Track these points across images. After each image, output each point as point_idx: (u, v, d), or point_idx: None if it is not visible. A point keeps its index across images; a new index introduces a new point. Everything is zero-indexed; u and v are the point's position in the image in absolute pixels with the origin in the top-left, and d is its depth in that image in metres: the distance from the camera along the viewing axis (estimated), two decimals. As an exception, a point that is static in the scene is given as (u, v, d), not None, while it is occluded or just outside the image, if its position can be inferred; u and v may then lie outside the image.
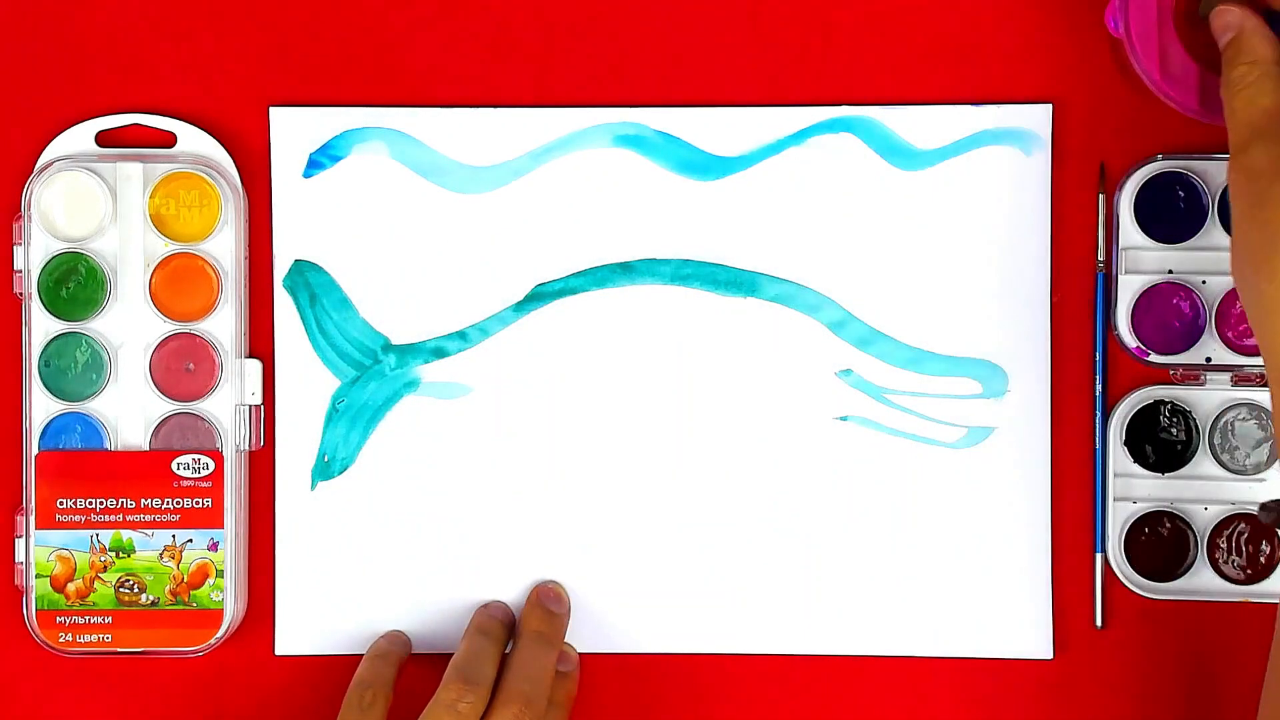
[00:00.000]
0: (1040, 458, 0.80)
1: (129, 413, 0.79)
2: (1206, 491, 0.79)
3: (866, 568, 0.79)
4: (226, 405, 0.79)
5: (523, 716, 0.73)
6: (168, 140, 0.80)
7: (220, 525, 0.79)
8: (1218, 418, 0.79)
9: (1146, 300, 0.79)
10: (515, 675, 0.75)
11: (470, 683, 0.74)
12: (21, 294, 0.79)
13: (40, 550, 0.79)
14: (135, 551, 0.79)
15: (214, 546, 0.79)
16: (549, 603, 0.79)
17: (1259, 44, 0.71)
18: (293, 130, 0.80)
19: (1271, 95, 0.70)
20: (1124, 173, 0.79)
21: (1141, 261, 0.79)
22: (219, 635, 0.79)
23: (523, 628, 0.78)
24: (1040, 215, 0.79)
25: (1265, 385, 0.79)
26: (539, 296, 0.80)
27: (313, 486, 0.80)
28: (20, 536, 0.79)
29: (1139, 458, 0.79)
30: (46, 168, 0.79)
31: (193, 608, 0.79)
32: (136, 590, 0.79)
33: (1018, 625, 0.80)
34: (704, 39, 0.80)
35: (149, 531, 0.79)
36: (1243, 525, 0.79)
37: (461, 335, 0.80)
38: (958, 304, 0.80)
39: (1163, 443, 0.80)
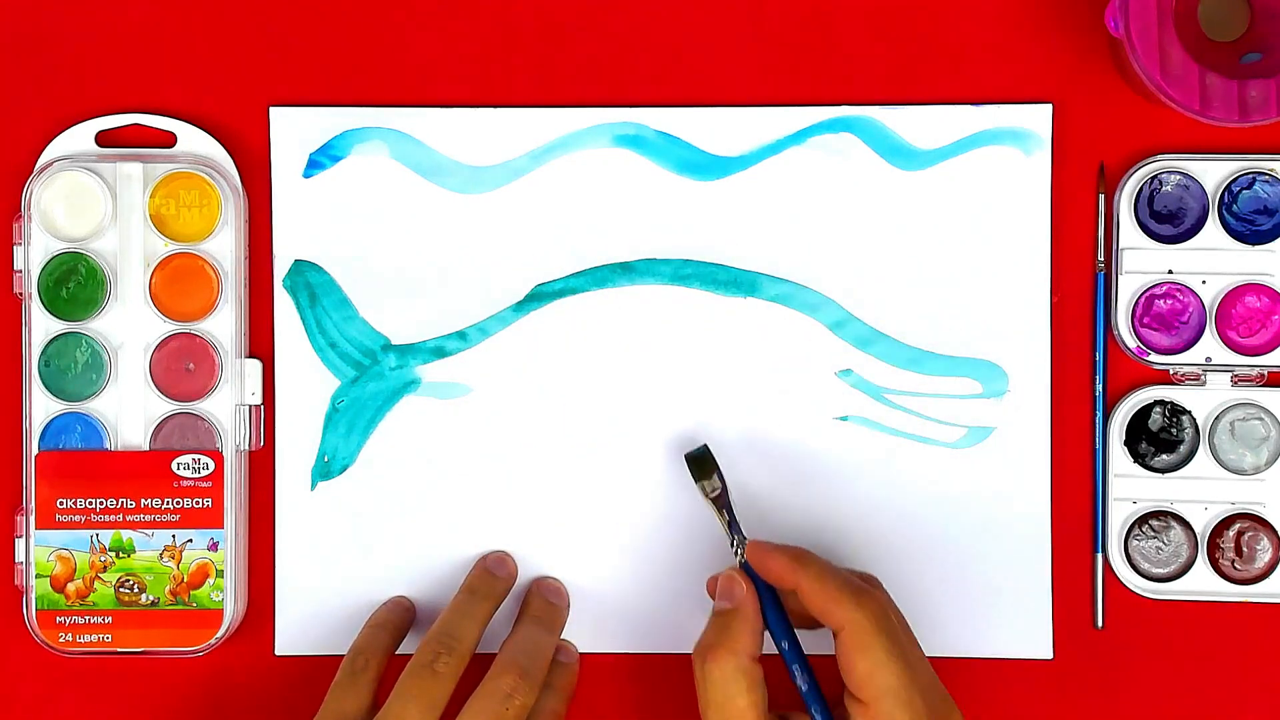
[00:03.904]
0: (1040, 458, 0.80)
1: (129, 413, 0.79)
2: (1206, 491, 0.79)
3: (866, 568, 0.79)
4: (226, 405, 0.79)
5: (519, 687, 0.73)
6: (168, 140, 0.80)
7: (220, 525, 0.79)
8: (1218, 418, 0.79)
9: (1146, 300, 0.79)
10: (512, 649, 0.76)
11: (450, 637, 0.74)
12: (21, 294, 0.79)
13: (40, 550, 0.79)
14: (135, 551, 0.79)
15: (214, 546, 0.79)
16: (549, 595, 0.79)
17: (745, 634, 0.73)
18: (293, 130, 0.80)
19: (746, 695, 0.71)
20: (1124, 173, 0.79)
21: (1141, 261, 0.79)
22: (219, 635, 0.79)
23: (522, 612, 0.79)
24: (1040, 215, 0.79)
25: (1265, 385, 0.79)
26: (539, 296, 0.80)
27: (313, 486, 0.80)
28: (20, 536, 0.79)
29: (1139, 458, 0.80)
30: (46, 168, 0.79)
31: (193, 608, 0.79)
32: (136, 590, 0.79)
33: (1018, 625, 0.80)
34: (704, 39, 0.80)
35: (149, 531, 0.79)
36: (1243, 525, 0.79)
37: (461, 335, 0.80)
38: (958, 304, 0.80)
39: (1163, 443, 0.80)
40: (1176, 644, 0.80)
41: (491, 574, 0.79)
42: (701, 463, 0.77)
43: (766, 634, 0.74)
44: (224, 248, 0.80)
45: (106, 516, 0.79)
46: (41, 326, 0.79)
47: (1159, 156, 0.79)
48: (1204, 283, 0.79)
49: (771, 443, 0.80)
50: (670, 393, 0.80)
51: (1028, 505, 0.80)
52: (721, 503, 0.76)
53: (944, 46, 0.80)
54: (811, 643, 0.74)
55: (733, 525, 0.76)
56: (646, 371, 0.80)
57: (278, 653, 0.81)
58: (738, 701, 0.71)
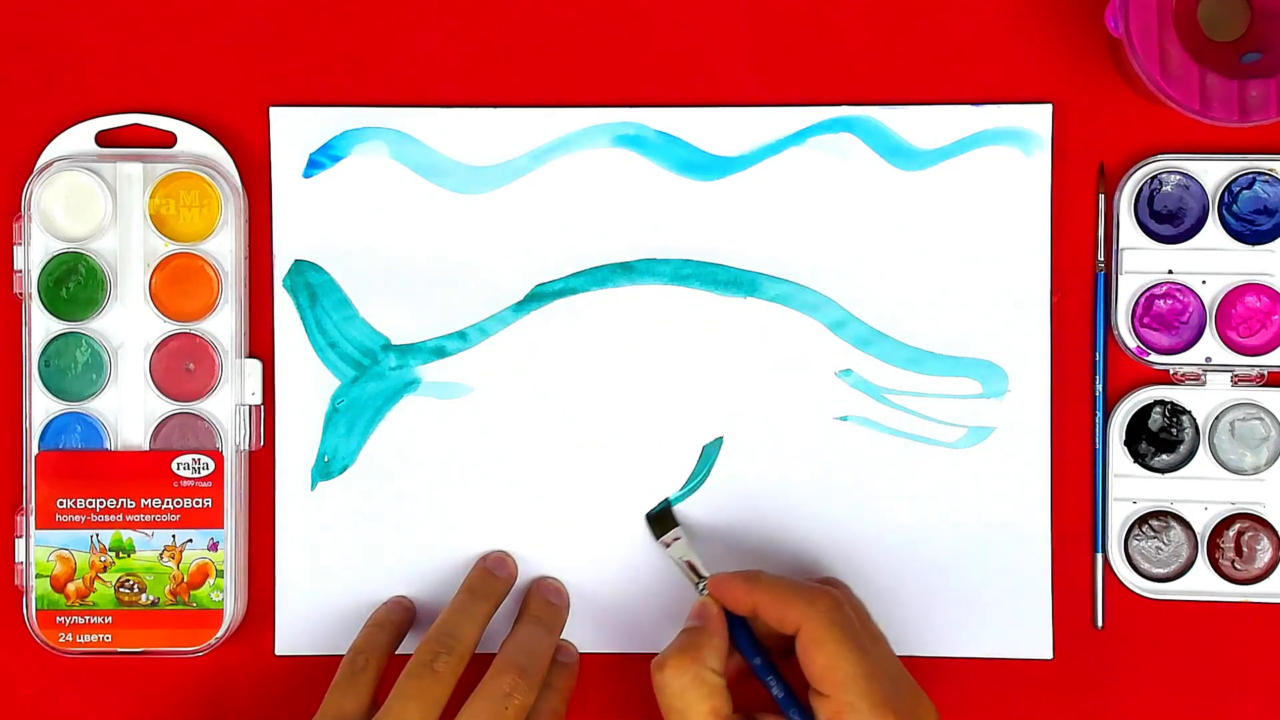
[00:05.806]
0: (1040, 458, 0.80)
1: (129, 413, 0.79)
2: (1206, 491, 0.79)
3: (866, 568, 0.79)
4: (226, 405, 0.79)
5: (518, 687, 0.73)
6: (168, 140, 0.80)
7: (220, 525, 0.79)
8: (1218, 418, 0.79)
9: (1146, 300, 0.79)
10: (511, 649, 0.75)
11: (450, 636, 0.74)
12: (21, 294, 0.79)
13: (40, 550, 0.79)
14: (135, 551, 0.79)
15: (214, 546, 0.79)
16: (549, 595, 0.79)
17: (707, 648, 0.74)
18: (293, 130, 0.80)
19: (706, 701, 0.72)
20: (1124, 173, 0.79)
21: (1141, 261, 0.79)
22: (219, 635, 0.79)
23: (522, 612, 0.79)
24: (1040, 215, 0.79)
25: (1265, 385, 0.79)
26: (539, 296, 0.80)
27: (313, 486, 0.80)
28: (20, 536, 0.79)
29: (1139, 458, 0.80)
30: (46, 168, 0.79)
31: (193, 608, 0.79)
32: (136, 590, 0.79)
33: (1018, 625, 0.80)
34: (704, 39, 0.80)
35: (149, 531, 0.79)
36: (1243, 525, 0.79)
37: (461, 335, 0.80)
38: (958, 304, 0.80)
39: (1163, 443, 0.80)
40: (1176, 644, 0.80)
41: (491, 574, 0.79)
42: (662, 520, 0.79)
43: (739, 659, 0.75)
44: (224, 248, 0.80)
45: (106, 516, 0.79)
46: (41, 326, 0.79)
47: (1159, 156, 0.79)
48: (1204, 283, 0.79)
49: (771, 443, 0.80)
50: (670, 393, 0.80)
51: (1028, 505, 0.80)
52: (680, 553, 0.78)
53: (944, 46, 0.80)
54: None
55: (695, 570, 0.78)
56: (646, 372, 0.80)
57: (278, 653, 0.81)
58: (698, 708, 0.72)
